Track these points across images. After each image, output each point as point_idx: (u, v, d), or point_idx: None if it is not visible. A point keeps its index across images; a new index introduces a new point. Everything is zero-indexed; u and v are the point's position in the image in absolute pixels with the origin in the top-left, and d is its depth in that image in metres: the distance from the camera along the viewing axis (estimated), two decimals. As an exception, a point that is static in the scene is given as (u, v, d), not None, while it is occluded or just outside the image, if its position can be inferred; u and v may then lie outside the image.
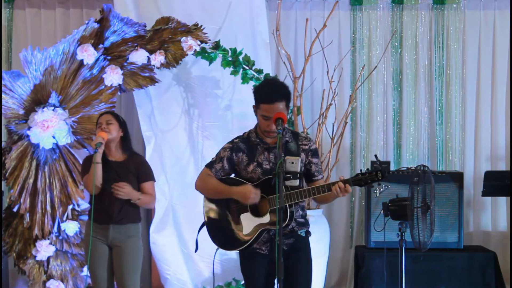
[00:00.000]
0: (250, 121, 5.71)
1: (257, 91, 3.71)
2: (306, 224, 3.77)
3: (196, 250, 4.04)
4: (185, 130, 5.89)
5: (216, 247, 3.83)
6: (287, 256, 3.62)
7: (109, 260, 4.44)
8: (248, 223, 3.64)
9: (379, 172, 3.51)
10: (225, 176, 3.74)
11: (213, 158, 3.78)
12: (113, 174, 4.39)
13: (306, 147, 3.74)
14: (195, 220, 5.78)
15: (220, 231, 3.75)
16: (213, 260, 4.14)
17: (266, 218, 3.61)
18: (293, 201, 3.57)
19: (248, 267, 3.73)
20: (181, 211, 5.84)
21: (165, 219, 5.86)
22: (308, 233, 3.77)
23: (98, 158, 4.31)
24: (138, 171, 4.46)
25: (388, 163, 5.92)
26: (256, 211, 3.63)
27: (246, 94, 5.71)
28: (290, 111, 5.65)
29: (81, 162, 5.46)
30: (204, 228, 3.89)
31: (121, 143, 4.48)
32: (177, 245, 5.88)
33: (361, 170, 3.59)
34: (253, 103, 3.72)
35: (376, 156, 3.66)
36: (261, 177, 3.64)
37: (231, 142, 3.77)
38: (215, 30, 5.70)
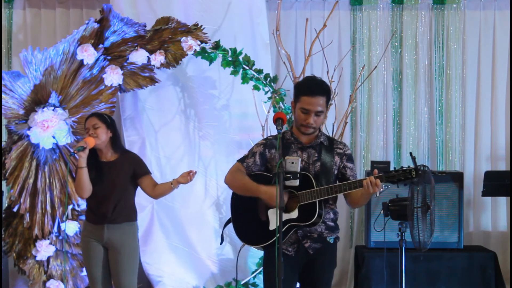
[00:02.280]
0: (250, 121, 5.77)
1: (299, 85, 3.72)
2: (335, 229, 3.73)
3: (221, 243, 4.04)
4: (179, 130, 5.89)
5: (241, 242, 3.81)
6: (312, 261, 3.62)
7: (105, 261, 4.44)
8: (275, 219, 3.57)
9: (413, 170, 3.47)
10: (256, 172, 3.71)
11: (245, 154, 3.77)
12: (105, 174, 4.39)
13: (341, 151, 3.73)
14: (191, 218, 5.82)
15: (247, 226, 3.72)
16: (237, 256, 4.13)
17: (295, 214, 3.57)
18: (323, 196, 3.52)
19: (272, 268, 3.59)
20: (176, 210, 5.83)
21: (151, 223, 5.84)
22: (336, 239, 3.75)
23: (82, 162, 4.28)
24: (135, 168, 4.46)
25: (388, 163, 5.92)
26: (285, 207, 3.58)
27: (245, 94, 5.72)
28: (290, 110, 5.67)
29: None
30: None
31: (111, 143, 4.46)
32: (166, 248, 5.86)
33: (395, 168, 3.54)
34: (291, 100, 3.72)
35: (411, 153, 3.63)
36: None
37: (265, 138, 3.79)
38: (213, 30, 5.70)
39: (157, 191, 4.52)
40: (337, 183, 3.60)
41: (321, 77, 6.01)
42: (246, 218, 3.72)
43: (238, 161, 3.77)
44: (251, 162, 3.72)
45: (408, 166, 3.51)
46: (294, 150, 3.68)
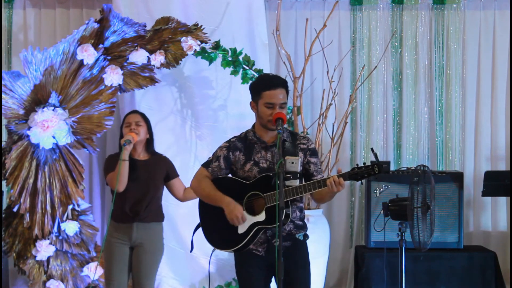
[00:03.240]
0: (248, 121, 5.73)
1: (255, 83, 3.71)
2: (304, 227, 3.72)
3: (191, 251, 4.02)
4: (173, 130, 5.89)
5: (212, 248, 3.79)
6: (284, 259, 3.58)
7: (128, 263, 4.45)
8: (243, 223, 3.59)
9: (375, 166, 3.45)
10: (222, 176, 3.71)
11: (209, 158, 3.75)
12: (138, 173, 4.44)
13: (304, 146, 3.70)
14: (187, 218, 5.80)
15: (216, 231, 3.71)
16: (209, 261, 4.11)
17: (262, 216, 3.56)
18: (288, 198, 3.51)
19: (244, 269, 3.67)
20: (172, 211, 5.81)
21: None
22: (306, 236, 3.73)
23: (126, 155, 4.34)
24: (167, 170, 4.58)
25: (388, 163, 5.91)
26: (252, 210, 3.59)
27: (243, 94, 5.73)
28: (289, 110, 5.67)
29: (81, 162, 5.48)
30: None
31: (147, 144, 4.54)
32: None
33: (357, 164, 3.52)
34: (250, 101, 3.70)
35: (372, 149, 3.60)
36: (258, 176, 3.60)
37: (228, 141, 3.74)
38: (211, 30, 5.68)
39: (188, 194, 4.60)
40: (303, 183, 3.58)
41: (321, 77, 6.14)
42: (215, 223, 3.70)
43: (202, 165, 3.74)
44: (216, 167, 3.69)
45: (371, 162, 3.50)
46: (258, 150, 3.66)
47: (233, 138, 3.77)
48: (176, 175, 4.62)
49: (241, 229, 3.60)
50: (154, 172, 4.50)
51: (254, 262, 3.62)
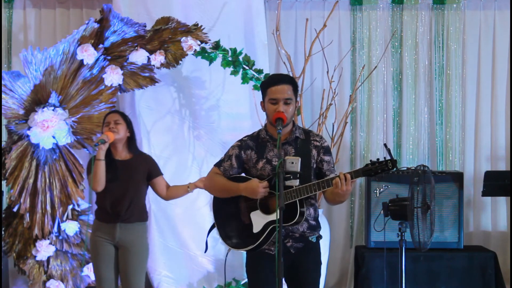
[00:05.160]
0: (245, 121, 5.78)
1: (262, 82, 3.77)
2: (317, 227, 3.71)
3: (205, 251, 4.02)
4: (171, 130, 5.89)
5: (227, 247, 3.77)
6: (295, 261, 3.60)
7: (115, 261, 4.45)
8: (258, 221, 3.58)
9: (389, 162, 3.42)
10: (234, 175, 3.70)
11: (222, 157, 3.76)
12: (119, 172, 4.42)
13: (318, 143, 3.69)
14: (187, 218, 5.82)
15: (231, 230, 3.70)
16: (225, 261, 4.10)
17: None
18: (303, 195, 3.49)
19: (255, 269, 3.67)
20: (172, 211, 5.83)
21: (149, 224, 5.79)
22: (319, 238, 3.72)
23: (101, 155, 4.32)
24: (149, 168, 4.54)
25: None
26: (266, 208, 3.58)
27: (240, 94, 5.73)
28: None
29: (81, 162, 5.48)
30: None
31: (128, 143, 4.53)
32: (164, 248, 5.87)
33: (371, 160, 3.50)
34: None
35: (385, 145, 3.58)
36: (271, 174, 3.58)
37: (240, 140, 3.75)
38: (206, 30, 5.67)
39: (171, 193, 4.58)
40: (317, 180, 3.55)
41: (321, 77, 6.14)
42: (229, 223, 3.70)
43: (215, 165, 3.76)
44: (228, 166, 3.69)
45: (384, 158, 3.47)
46: (270, 148, 3.65)
47: (245, 137, 3.77)
48: (159, 174, 4.58)
49: (256, 228, 3.59)
50: (134, 172, 4.47)
51: (265, 263, 3.61)
